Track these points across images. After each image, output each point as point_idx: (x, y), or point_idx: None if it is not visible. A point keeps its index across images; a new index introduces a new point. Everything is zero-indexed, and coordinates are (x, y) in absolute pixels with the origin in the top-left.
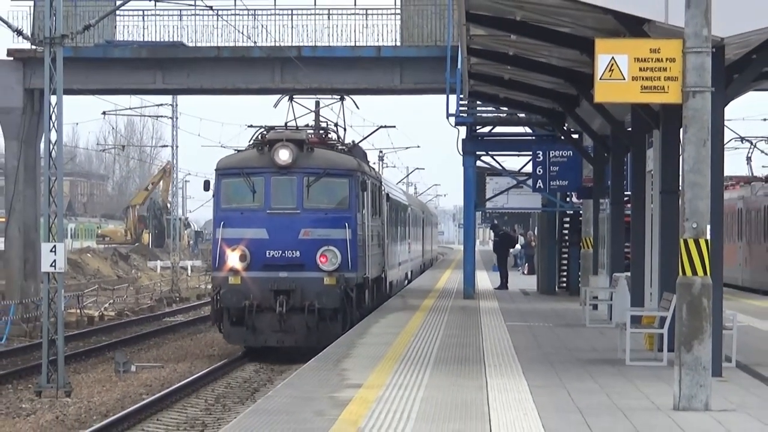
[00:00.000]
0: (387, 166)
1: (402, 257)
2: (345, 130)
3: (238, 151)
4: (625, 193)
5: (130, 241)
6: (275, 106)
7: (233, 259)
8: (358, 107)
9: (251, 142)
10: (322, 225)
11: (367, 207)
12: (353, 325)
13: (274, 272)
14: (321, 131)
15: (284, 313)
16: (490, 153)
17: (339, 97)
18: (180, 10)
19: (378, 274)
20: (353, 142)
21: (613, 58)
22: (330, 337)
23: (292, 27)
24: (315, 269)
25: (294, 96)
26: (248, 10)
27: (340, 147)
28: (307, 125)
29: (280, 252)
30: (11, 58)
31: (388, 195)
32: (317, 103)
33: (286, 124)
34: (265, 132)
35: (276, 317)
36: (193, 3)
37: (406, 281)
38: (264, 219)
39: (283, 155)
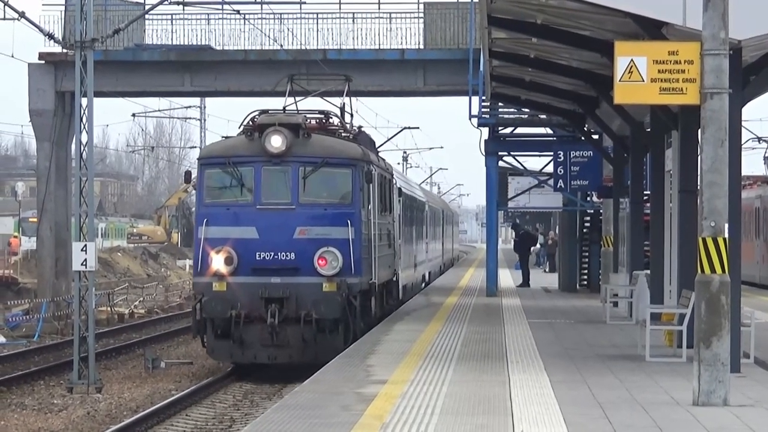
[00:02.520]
0: (411, 167)
1: (418, 258)
2: (352, 115)
3: (226, 138)
4: (645, 192)
5: (166, 240)
6: (274, 88)
7: (218, 262)
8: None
9: (240, 127)
10: (321, 222)
11: (373, 202)
12: (357, 338)
13: (264, 277)
14: (321, 115)
15: (276, 324)
16: (511, 153)
17: (344, 77)
18: (208, 14)
19: (388, 277)
20: (359, 128)
21: (632, 60)
22: (330, 352)
23: (317, 30)
24: (312, 274)
25: (295, 76)
26: (274, 14)
27: (343, 134)
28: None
29: (272, 254)
30: (43, 62)
31: (400, 189)
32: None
33: (284, 108)
34: (256, 116)
35: (267, 329)
36: (220, 7)
37: (423, 284)
38: (253, 216)
39: (276, 142)
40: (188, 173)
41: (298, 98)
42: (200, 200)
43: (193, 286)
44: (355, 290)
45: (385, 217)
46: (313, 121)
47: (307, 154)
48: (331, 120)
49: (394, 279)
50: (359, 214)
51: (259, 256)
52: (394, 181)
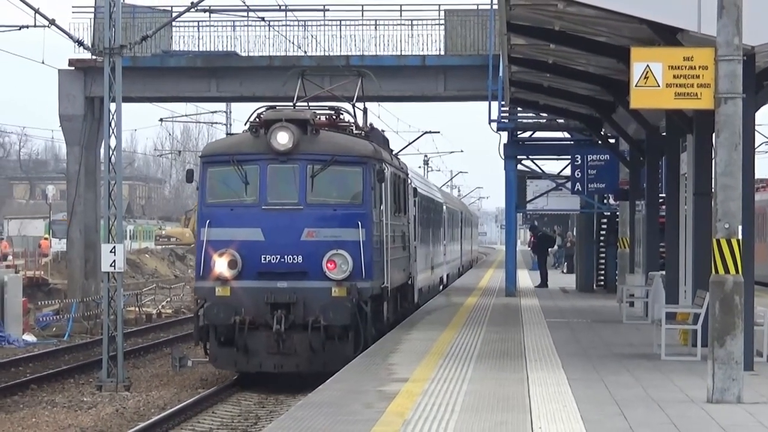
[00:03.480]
0: (432, 170)
1: (436, 260)
2: (364, 112)
3: (231, 135)
4: (660, 195)
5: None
6: (284, 84)
7: (221, 265)
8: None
9: (246, 124)
10: (330, 224)
11: (386, 202)
12: (368, 345)
13: (270, 281)
14: (332, 110)
15: (283, 331)
16: (530, 157)
17: (356, 72)
18: (233, 21)
19: (403, 281)
20: (371, 125)
21: (648, 66)
22: (339, 360)
23: (340, 37)
24: (321, 278)
25: (306, 72)
26: (298, 21)
27: (354, 131)
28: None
29: (278, 257)
30: (73, 68)
31: (416, 190)
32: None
33: (294, 104)
34: (262, 112)
35: (273, 336)
36: (246, 14)
37: (441, 286)
38: (259, 216)
39: (282, 139)
40: (190, 172)
41: (310, 97)
42: (202, 200)
43: (195, 290)
44: (366, 295)
45: (399, 218)
46: (323, 118)
47: (316, 152)
48: (341, 116)
49: (409, 282)
50: (370, 215)
51: (265, 260)
52: (409, 181)
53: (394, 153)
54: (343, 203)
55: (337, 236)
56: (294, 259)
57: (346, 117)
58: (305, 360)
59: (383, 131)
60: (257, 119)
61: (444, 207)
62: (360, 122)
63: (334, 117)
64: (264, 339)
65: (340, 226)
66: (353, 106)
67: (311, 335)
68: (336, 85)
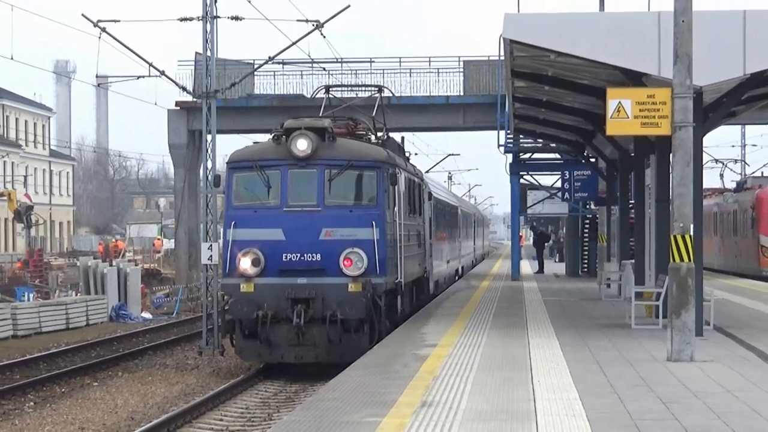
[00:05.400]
0: (454, 184)
1: (451, 255)
2: (385, 125)
3: (256, 143)
4: (630, 201)
5: None
6: (312, 96)
7: (245, 263)
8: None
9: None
10: (346, 224)
11: (399, 203)
12: (382, 337)
13: (291, 278)
14: (350, 121)
15: (303, 324)
16: (530, 173)
17: (377, 87)
18: (301, 71)
19: (418, 275)
20: (387, 134)
21: (620, 102)
22: (355, 351)
23: (383, 81)
24: (338, 274)
25: (331, 88)
26: (351, 70)
27: (373, 140)
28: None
29: (299, 255)
30: (178, 108)
31: (430, 194)
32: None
33: (321, 115)
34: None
35: (293, 329)
36: (311, 65)
37: (457, 277)
38: (280, 218)
39: (302, 145)
40: (217, 177)
41: (337, 109)
42: (228, 203)
43: (221, 287)
44: (380, 290)
45: (414, 219)
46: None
47: (333, 157)
48: (359, 126)
49: (425, 275)
50: (384, 215)
51: (286, 258)
52: (424, 186)
53: (409, 161)
54: (358, 205)
55: (353, 235)
56: (313, 257)
57: (363, 126)
58: (323, 351)
59: (402, 139)
60: (279, 128)
61: (459, 210)
62: (378, 132)
63: (352, 126)
64: (285, 332)
65: (355, 225)
66: (372, 118)
67: (329, 328)
68: (357, 98)
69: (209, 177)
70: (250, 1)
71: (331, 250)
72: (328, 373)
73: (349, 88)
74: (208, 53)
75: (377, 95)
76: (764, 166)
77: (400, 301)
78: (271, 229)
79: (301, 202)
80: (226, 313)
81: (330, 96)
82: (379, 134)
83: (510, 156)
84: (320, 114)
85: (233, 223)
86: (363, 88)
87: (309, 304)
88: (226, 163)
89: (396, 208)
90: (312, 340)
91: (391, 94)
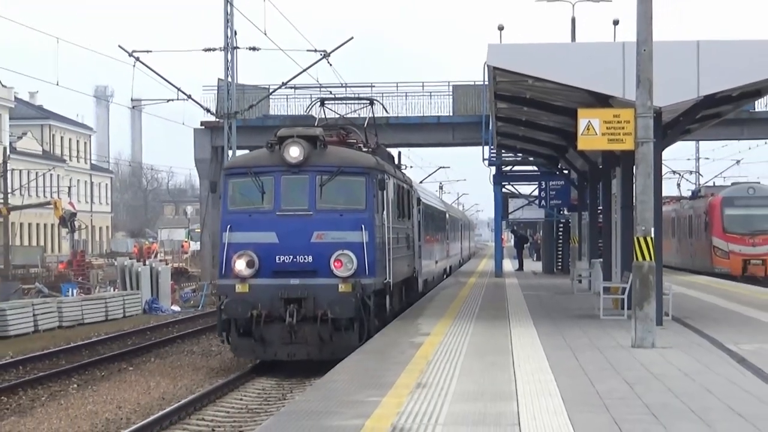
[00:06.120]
0: (444, 193)
1: (440, 255)
2: (376, 135)
3: (251, 150)
4: (598, 207)
5: None
6: (307, 110)
7: (240, 265)
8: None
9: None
10: (337, 227)
11: (388, 208)
12: (371, 335)
13: (284, 279)
14: (342, 130)
15: (295, 323)
16: (511, 183)
17: (369, 101)
18: (311, 94)
19: (407, 275)
20: (377, 143)
21: (589, 121)
22: (345, 349)
23: (383, 104)
24: (329, 275)
25: (326, 101)
26: (355, 94)
27: (363, 148)
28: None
29: (291, 257)
30: (203, 127)
31: (419, 199)
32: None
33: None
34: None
35: (286, 328)
36: (319, 90)
37: (445, 275)
38: (274, 221)
39: (294, 152)
40: (214, 183)
41: (329, 122)
42: (224, 208)
43: (217, 288)
44: (369, 290)
45: (403, 222)
46: (335, 136)
47: (324, 164)
48: (350, 134)
49: (414, 275)
50: (372, 219)
51: (279, 260)
52: (413, 192)
53: (400, 169)
54: (348, 209)
55: (343, 238)
56: (305, 258)
57: (354, 136)
58: (315, 349)
59: (400, 154)
60: (274, 137)
61: (447, 215)
62: (369, 141)
63: (343, 135)
64: (278, 330)
65: (345, 229)
66: (364, 128)
67: (320, 327)
68: (350, 111)
69: None
70: (266, 34)
71: (322, 252)
72: (320, 369)
73: (343, 101)
74: (229, 79)
75: (369, 107)
76: (716, 176)
77: (389, 300)
78: (265, 233)
79: (293, 206)
80: (222, 313)
81: (326, 109)
82: (371, 143)
83: (493, 168)
84: (315, 125)
85: (229, 226)
86: (356, 102)
87: (301, 304)
88: (223, 169)
89: (385, 212)
90: (304, 338)
91: (382, 107)
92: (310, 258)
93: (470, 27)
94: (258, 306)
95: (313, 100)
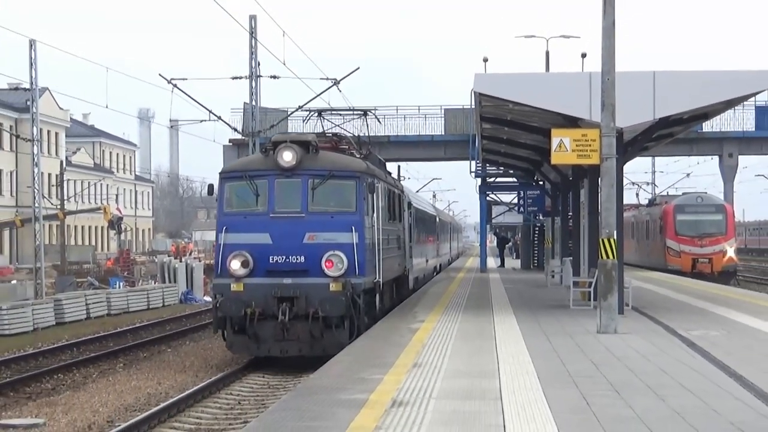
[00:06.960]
0: (437, 201)
1: (430, 255)
2: (369, 144)
3: (247, 156)
4: (569, 213)
5: None
6: (305, 121)
7: (235, 265)
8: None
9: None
10: (328, 228)
11: (378, 210)
12: (361, 332)
13: (277, 278)
14: (334, 137)
15: (287, 321)
16: (494, 192)
17: (363, 112)
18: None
19: (397, 274)
20: (369, 150)
21: (561, 139)
22: (336, 346)
23: (384, 124)
24: (320, 275)
25: (323, 112)
26: (359, 116)
27: (356, 154)
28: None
29: (284, 257)
30: (231, 144)
31: (410, 203)
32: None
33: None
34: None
35: (279, 326)
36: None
37: (435, 273)
38: (267, 223)
39: (287, 157)
40: (211, 186)
41: (327, 132)
42: (220, 210)
43: (213, 287)
44: (359, 289)
45: (393, 224)
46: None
47: (316, 168)
48: (342, 141)
49: (405, 273)
50: (363, 221)
51: (273, 260)
52: (404, 196)
53: (390, 174)
54: (339, 211)
55: (334, 239)
56: (297, 259)
57: (346, 142)
58: (307, 345)
59: (399, 168)
60: (269, 143)
61: (437, 218)
62: (362, 148)
63: (336, 141)
64: (271, 328)
65: (336, 230)
66: (357, 136)
67: (312, 324)
68: (345, 122)
69: None
70: (284, 64)
71: (314, 253)
72: (311, 366)
73: (339, 113)
74: (254, 103)
75: (363, 118)
76: (669, 187)
77: (379, 298)
78: (259, 234)
79: (286, 208)
80: (218, 311)
81: (323, 120)
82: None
83: (479, 179)
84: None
85: (224, 228)
86: (352, 112)
87: (293, 303)
88: (219, 173)
89: (375, 215)
90: (296, 335)
91: (375, 118)
92: (303, 258)
93: (461, 54)
94: (252, 304)
95: (322, 118)
